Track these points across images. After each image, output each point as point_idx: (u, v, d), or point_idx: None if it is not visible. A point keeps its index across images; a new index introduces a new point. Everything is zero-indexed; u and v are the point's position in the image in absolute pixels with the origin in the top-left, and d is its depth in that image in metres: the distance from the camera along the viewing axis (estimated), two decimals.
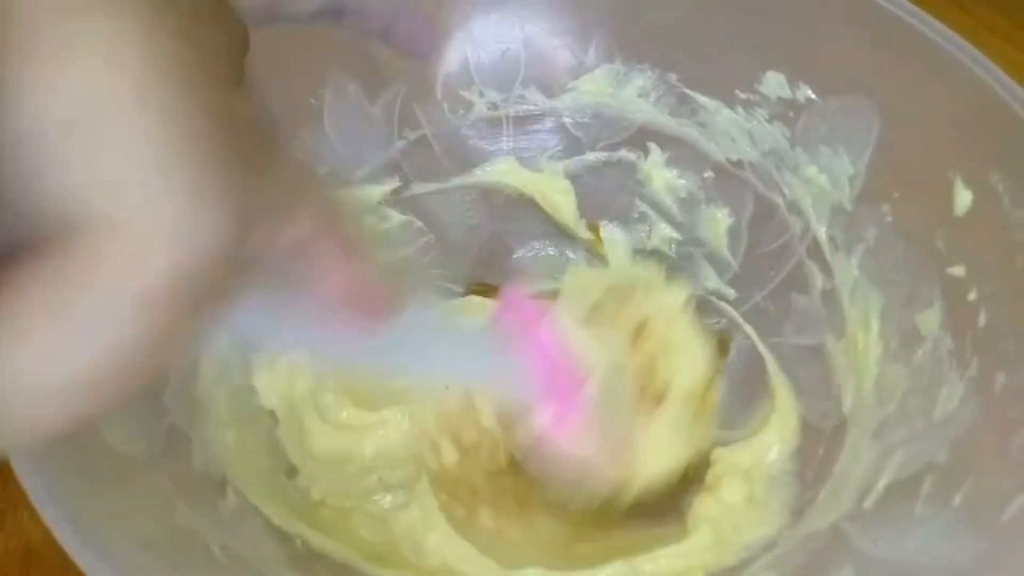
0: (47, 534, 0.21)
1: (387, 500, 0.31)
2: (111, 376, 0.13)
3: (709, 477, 0.33)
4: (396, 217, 0.37)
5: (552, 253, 0.40)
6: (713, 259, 0.37)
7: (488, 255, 0.39)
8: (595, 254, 0.39)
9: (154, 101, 0.12)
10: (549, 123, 0.38)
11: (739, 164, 0.36)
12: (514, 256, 0.39)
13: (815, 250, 0.34)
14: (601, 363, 0.29)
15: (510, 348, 0.27)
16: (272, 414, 0.33)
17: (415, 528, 0.30)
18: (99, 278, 0.12)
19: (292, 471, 0.32)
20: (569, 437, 0.27)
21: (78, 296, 0.12)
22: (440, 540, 0.30)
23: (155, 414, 0.28)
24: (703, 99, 0.35)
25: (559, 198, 0.38)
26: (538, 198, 0.38)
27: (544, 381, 0.27)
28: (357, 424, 0.33)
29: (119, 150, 0.12)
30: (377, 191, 0.36)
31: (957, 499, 0.25)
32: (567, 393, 0.28)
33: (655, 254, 0.39)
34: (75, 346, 0.12)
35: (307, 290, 0.18)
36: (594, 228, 0.39)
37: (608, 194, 0.38)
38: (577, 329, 0.29)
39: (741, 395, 0.35)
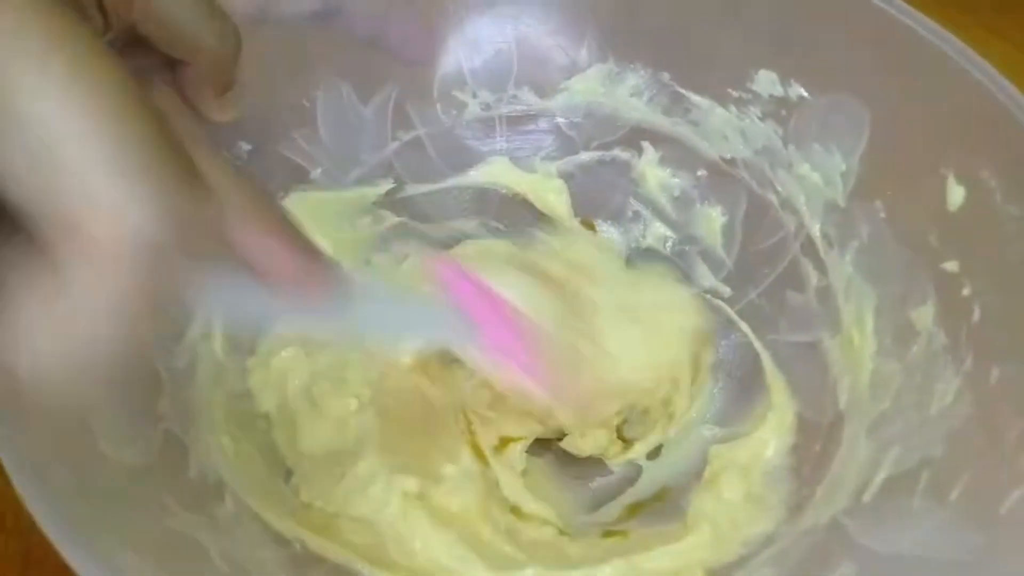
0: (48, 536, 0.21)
1: (369, 499, 0.31)
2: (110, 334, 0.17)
3: (707, 474, 0.33)
4: (390, 218, 0.37)
5: None
6: (708, 257, 0.37)
7: None
8: None
9: (103, 129, 0.16)
10: (542, 123, 0.38)
11: (732, 162, 0.36)
12: None
13: (809, 247, 0.34)
14: (530, 304, 0.31)
15: (460, 307, 0.29)
16: (268, 417, 0.33)
17: (399, 527, 0.30)
18: (84, 254, 0.16)
19: (289, 474, 0.32)
20: (536, 376, 0.30)
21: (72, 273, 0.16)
22: (425, 539, 0.29)
23: (151, 421, 0.27)
24: (696, 98, 0.35)
25: (553, 198, 0.38)
26: (532, 198, 0.38)
27: (497, 334, 0.29)
28: (341, 412, 0.33)
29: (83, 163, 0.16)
30: (371, 192, 0.36)
31: (954, 493, 0.26)
32: (520, 339, 0.30)
33: (650, 252, 0.39)
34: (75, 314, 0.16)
35: (252, 271, 0.21)
36: (589, 226, 0.39)
37: (602, 193, 0.38)
38: (505, 280, 0.31)
39: (737, 392, 0.35)
